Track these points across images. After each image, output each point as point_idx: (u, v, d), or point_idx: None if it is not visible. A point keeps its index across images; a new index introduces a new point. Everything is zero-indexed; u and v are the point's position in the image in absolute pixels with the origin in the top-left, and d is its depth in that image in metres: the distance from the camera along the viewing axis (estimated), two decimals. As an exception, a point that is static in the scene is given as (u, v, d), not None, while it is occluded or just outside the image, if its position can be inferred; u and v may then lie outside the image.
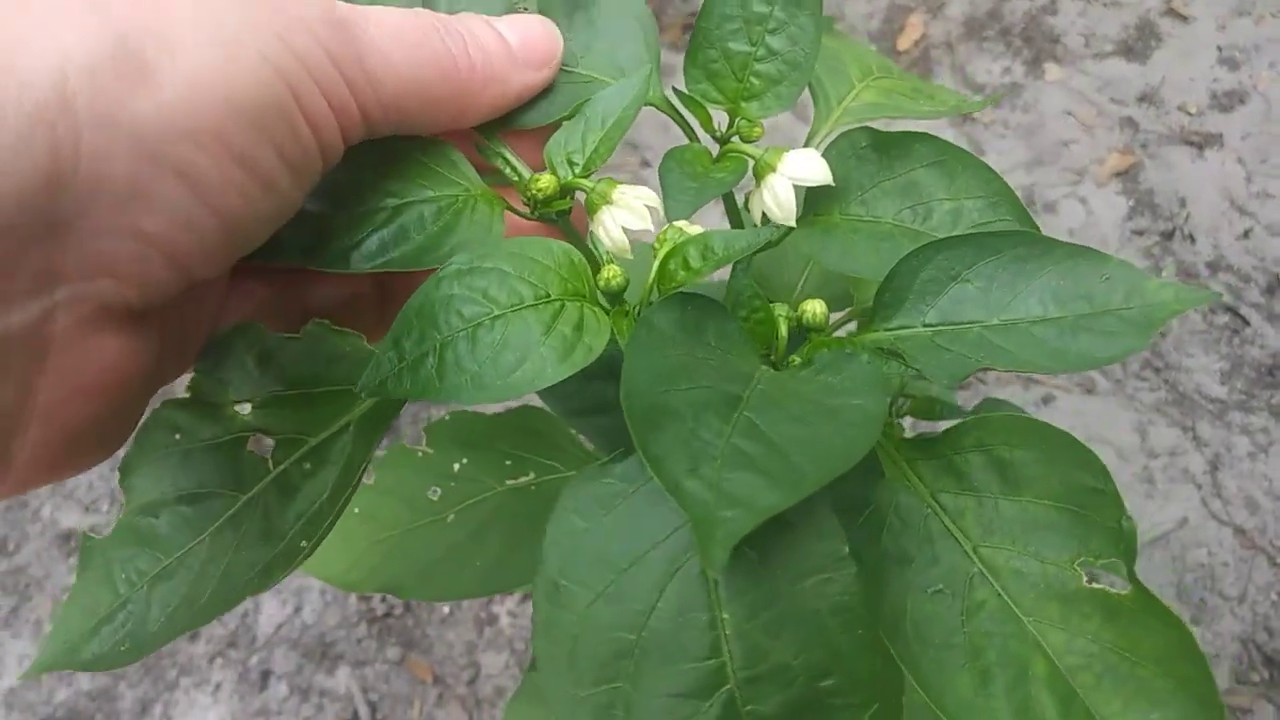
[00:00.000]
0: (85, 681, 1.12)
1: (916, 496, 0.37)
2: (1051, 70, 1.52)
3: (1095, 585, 0.33)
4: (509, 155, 0.39)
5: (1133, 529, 0.33)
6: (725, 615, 0.31)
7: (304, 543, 0.37)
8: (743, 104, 0.43)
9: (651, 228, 0.37)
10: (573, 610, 0.32)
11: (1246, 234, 1.35)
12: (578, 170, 0.38)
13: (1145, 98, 1.47)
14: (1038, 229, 0.42)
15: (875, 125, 0.44)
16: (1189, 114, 1.45)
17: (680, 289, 0.37)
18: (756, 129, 0.44)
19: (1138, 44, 1.53)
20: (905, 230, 0.43)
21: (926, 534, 0.36)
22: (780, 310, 0.40)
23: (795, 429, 0.31)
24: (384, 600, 1.14)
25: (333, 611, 1.13)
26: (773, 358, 0.40)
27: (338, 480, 0.39)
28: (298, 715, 1.08)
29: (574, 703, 0.32)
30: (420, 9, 0.34)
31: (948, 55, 1.59)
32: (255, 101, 0.27)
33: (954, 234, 0.41)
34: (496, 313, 0.33)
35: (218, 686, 1.11)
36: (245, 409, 0.40)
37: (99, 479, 1.23)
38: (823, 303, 0.41)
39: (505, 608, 1.12)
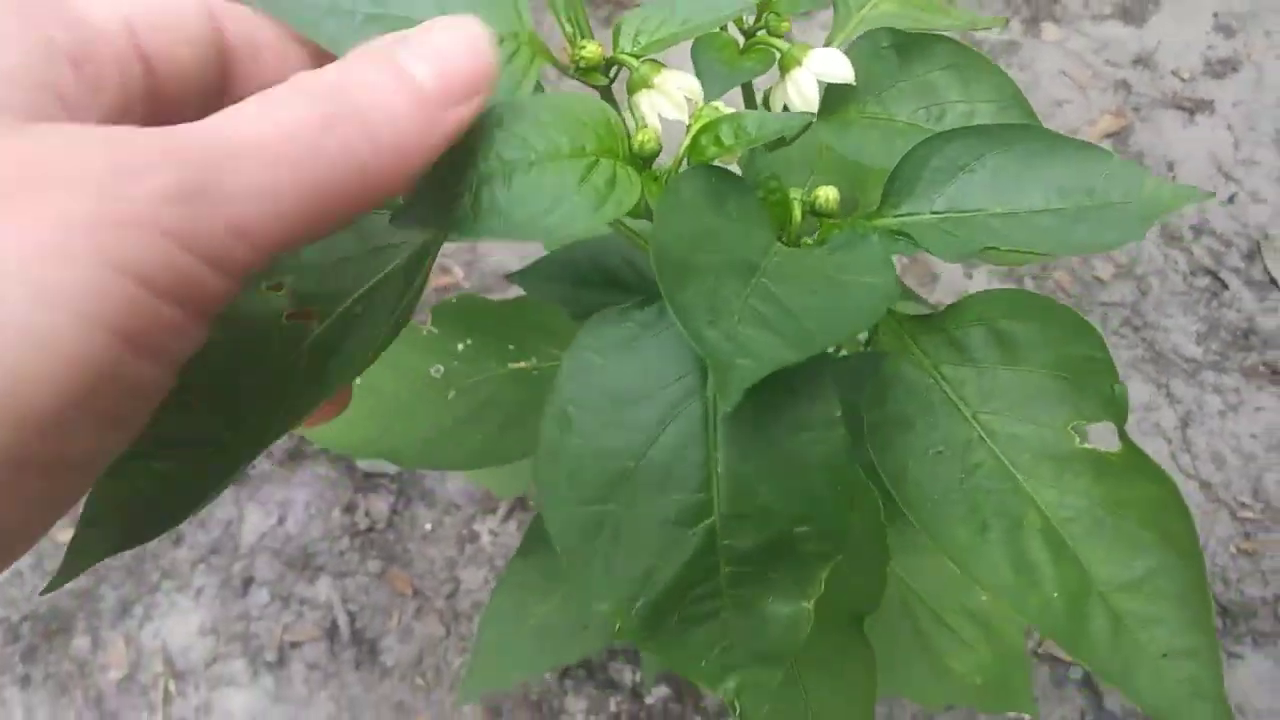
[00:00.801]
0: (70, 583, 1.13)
1: (919, 368, 0.38)
2: (1049, 30, 1.53)
3: (1087, 446, 0.35)
4: (571, 9, 0.40)
5: (1124, 393, 0.34)
6: (719, 455, 0.33)
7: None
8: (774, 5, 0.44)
9: (687, 119, 0.38)
10: (579, 436, 0.34)
11: (1231, 199, 1.37)
12: (638, 48, 0.39)
13: (1140, 61, 1.49)
14: (1040, 128, 0.44)
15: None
16: (1182, 79, 1.47)
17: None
18: (785, 24, 0.45)
19: (1135, 7, 1.54)
20: (919, 129, 0.44)
21: (928, 402, 0.38)
22: (795, 193, 0.41)
23: (807, 298, 0.32)
24: (367, 514, 1.15)
25: (316, 524, 1.15)
26: (785, 239, 0.41)
27: (380, 328, 0.40)
28: (278, 621, 1.10)
29: (568, 520, 0.34)
30: (303, 83, 0.27)
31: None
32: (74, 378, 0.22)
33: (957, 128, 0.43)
34: (533, 158, 0.34)
35: (199, 591, 1.12)
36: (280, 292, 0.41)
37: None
38: (834, 189, 0.42)
39: (487, 526, 1.14)
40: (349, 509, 1.16)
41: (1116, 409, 0.34)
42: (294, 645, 1.09)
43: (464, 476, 1.15)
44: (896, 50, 0.44)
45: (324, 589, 1.11)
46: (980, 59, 0.44)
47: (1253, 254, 1.32)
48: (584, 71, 0.39)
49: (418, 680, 1.07)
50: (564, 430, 0.34)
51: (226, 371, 0.37)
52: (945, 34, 0.48)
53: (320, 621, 1.10)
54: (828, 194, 0.41)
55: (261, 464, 1.18)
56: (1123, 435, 0.34)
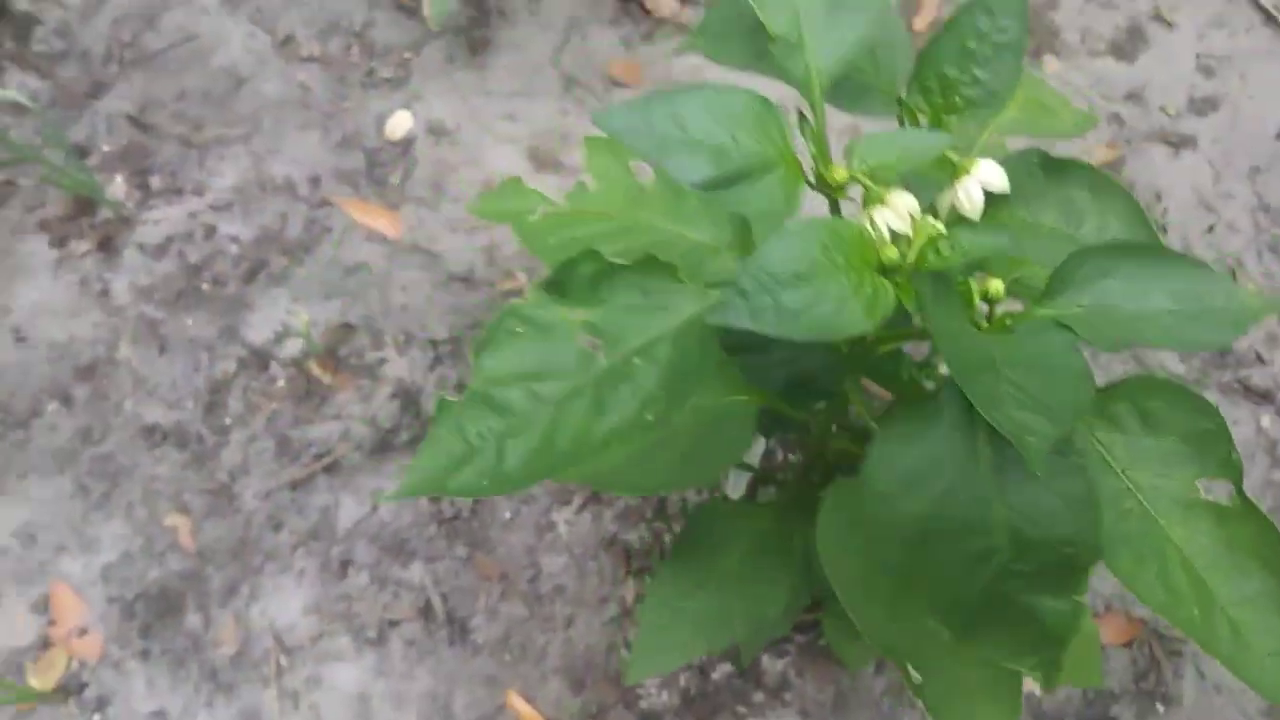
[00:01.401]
0: (175, 563, 1.23)
1: (1082, 434, 0.52)
2: (1050, 63, 1.68)
3: (1209, 498, 0.49)
4: (820, 138, 0.53)
5: (1239, 459, 0.49)
6: (1000, 506, 0.47)
7: (649, 416, 0.51)
8: (945, 117, 0.57)
9: (909, 232, 0.51)
10: (890, 506, 0.47)
11: (1210, 229, 1.53)
12: (866, 169, 0.52)
13: (1131, 96, 1.64)
14: (1162, 245, 0.58)
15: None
16: (1169, 115, 1.63)
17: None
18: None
19: (1127, 45, 1.70)
20: (1061, 234, 0.58)
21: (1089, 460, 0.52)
22: (975, 285, 0.55)
23: (1035, 382, 0.46)
24: (451, 504, 1.27)
25: (406, 512, 1.26)
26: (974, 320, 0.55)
27: (661, 377, 0.53)
28: (376, 601, 1.22)
29: (877, 568, 0.47)
30: None
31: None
32: None
33: (1100, 242, 0.57)
34: (817, 271, 0.47)
35: (301, 573, 1.23)
36: (576, 314, 0.54)
37: (182, 378, 1.33)
38: (1001, 281, 0.56)
39: (563, 516, 1.27)
40: (435, 498, 1.28)
41: (1232, 470, 0.48)
42: (392, 624, 1.21)
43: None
44: (1043, 169, 0.58)
45: (417, 572, 1.23)
46: (1111, 182, 0.58)
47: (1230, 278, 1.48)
48: (829, 187, 0.52)
49: (505, 656, 1.20)
50: (877, 503, 0.47)
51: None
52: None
53: (415, 602, 1.22)
54: (997, 286, 0.55)
55: (352, 455, 1.29)
56: (1239, 491, 0.48)
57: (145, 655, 1.19)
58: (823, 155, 0.53)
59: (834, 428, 0.81)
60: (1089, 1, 1.73)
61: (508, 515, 1.28)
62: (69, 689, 1.17)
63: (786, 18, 0.57)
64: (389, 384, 1.35)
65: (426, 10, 1.45)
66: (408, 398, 1.34)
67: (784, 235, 0.45)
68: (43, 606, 1.21)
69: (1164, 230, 1.52)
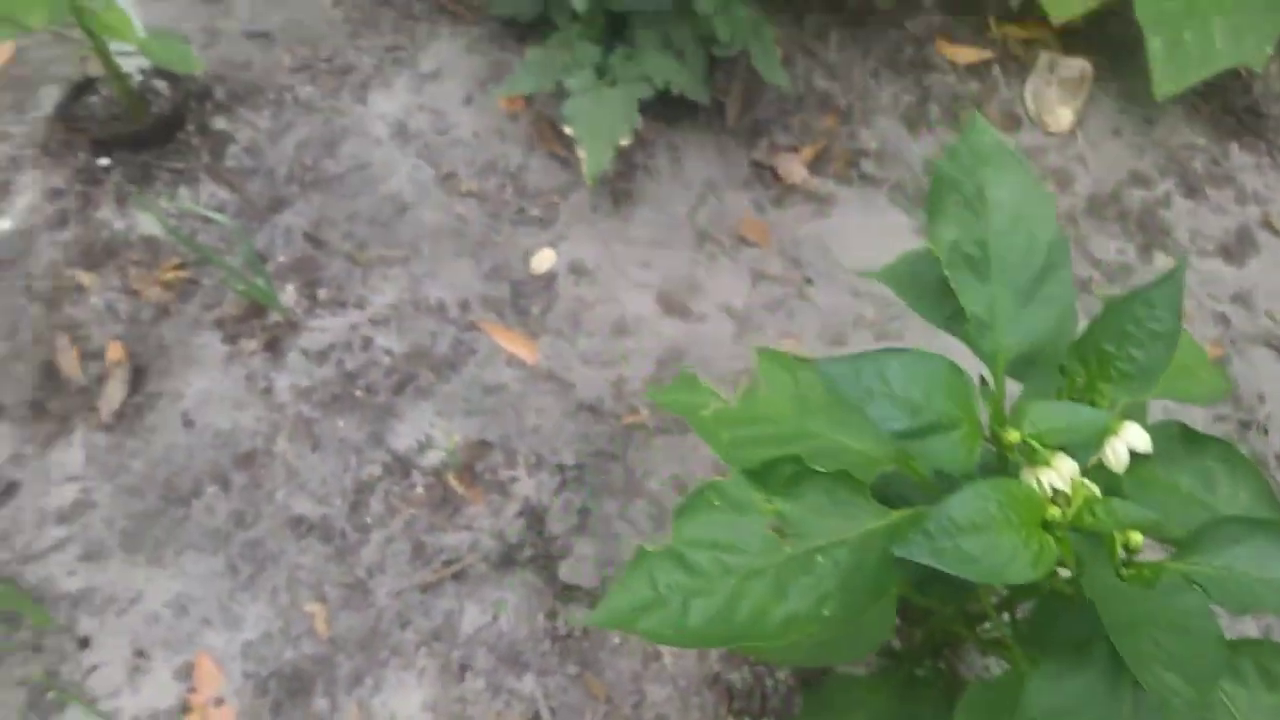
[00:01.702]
0: (309, 647, 1.34)
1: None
2: (1160, 259, 1.77)
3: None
4: (998, 405, 0.63)
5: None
6: None
7: (825, 611, 0.61)
8: (1100, 384, 0.67)
9: (1068, 490, 0.61)
10: None
11: (1308, 435, 1.59)
12: (1034, 433, 0.62)
13: (1238, 299, 1.72)
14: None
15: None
16: (1274, 320, 1.70)
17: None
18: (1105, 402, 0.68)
19: (1236, 249, 1.78)
20: (1196, 499, 0.67)
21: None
22: (1119, 537, 0.64)
23: (1177, 643, 0.54)
24: (564, 622, 1.36)
25: (523, 625, 1.36)
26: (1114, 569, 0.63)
27: (839, 578, 0.62)
28: (490, 708, 1.30)
29: None
30: None
31: (1071, 228, 1.84)
32: None
33: (1233, 513, 0.65)
34: (991, 524, 0.57)
35: (423, 671, 1.33)
36: (771, 503, 0.64)
37: (331, 476, 1.46)
38: (1141, 536, 0.64)
39: (669, 650, 1.35)
40: (551, 615, 1.38)
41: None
42: (502, 730, 1.29)
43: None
44: (1183, 439, 0.67)
45: (529, 684, 1.32)
46: (1244, 459, 0.67)
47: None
48: (1002, 445, 0.62)
49: (604, 774, 1.27)
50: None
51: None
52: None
53: (525, 712, 1.30)
54: (1138, 539, 0.63)
55: (479, 565, 1.40)
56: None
57: (274, 734, 1.28)
58: (999, 419, 0.63)
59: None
60: (1200, 204, 1.83)
61: (617, 641, 1.36)
62: (202, 757, 1.27)
63: (984, 305, 0.68)
64: (517, 502, 1.46)
65: (583, 167, 1.60)
66: (534, 516, 1.45)
67: (967, 491, 0.55)
68: (186, 674, 1.32)
69: (1264, 431, 1.58)
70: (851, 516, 0.64)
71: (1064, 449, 0.62)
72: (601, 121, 1.60)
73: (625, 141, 1.60)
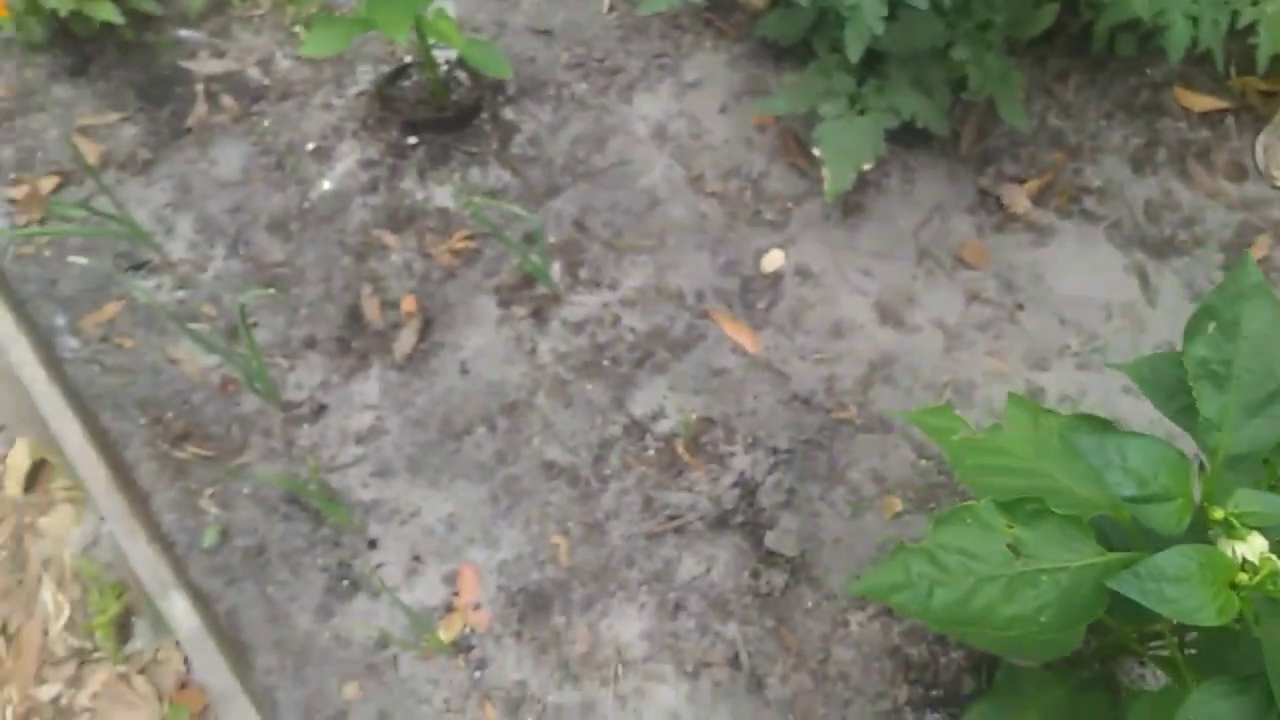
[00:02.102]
0: (552, 572, 1.59)
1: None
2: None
3: None
4: (1211, 489, 0.79)
5: None
6: None
7: (1043, 619, 0.79)
8: None
9: (1256, 561, 0.76)
10: None
11: None
12: (1235, 512, 0.78)
13: None
14: None
15: None
16: None
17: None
18: None
19: None
20: None
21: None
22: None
23: None
24: (768, 583, 1.57)
25: (730, 579, 1.58)
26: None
27: (1059, 595, 0.80)
28: (698, 644, 1.53)
29: None
30: None
31: (1283, 279, 1.90)
32: None
33: None
34: (1190, 577, 0.73)
35: (643, 606, 1.56)
36: (1012, 529, 0.82)
37: (580, 431, 1.70)
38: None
39: (856, 619, 1.54)
40: (755, 574, 1.59)
41: None
42: (706, 665, 1.51)
43: (848, 573, 1.55)
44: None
45: (732, 629, 1.54)
46: None
47: None
48: (1207, 518, 0.78)
49: (790, 716, 1.48)
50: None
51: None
52: None
53: (726, 653, 1.52)
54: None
55: (696, 524, 1.62)
56: None
57: (519, 637, 1.55)
58: (1210, 499, 0.80)
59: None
60: None
61: (809, 604, 1.56)
62: (460, 647, 1.54)
63: (1216, 412, 0.85)
64: (733, 474, 1.67)
65: (825, 185, 1.79)
66: (746, 489, 1.66)
67: (1174, 550, 0.73)
68: (451, 580, 1.60)
69: None
70: (1076, 550, 0.82)
71: (1259, 529, 0.78)
72: (848, 146, 1.77)
73: (868, 166, 1.78)
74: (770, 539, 1.61)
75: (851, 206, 1.94)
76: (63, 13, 1.93)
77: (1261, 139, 2.05)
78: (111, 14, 1.96)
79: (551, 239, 1.89)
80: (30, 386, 1.66)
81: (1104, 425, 1.05)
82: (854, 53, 1.57)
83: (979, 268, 1.88)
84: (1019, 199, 1.94)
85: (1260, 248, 1.94)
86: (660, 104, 2.04)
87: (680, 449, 1.69)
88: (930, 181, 1.96)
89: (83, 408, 1.69)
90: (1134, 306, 1.85)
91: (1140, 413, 1.72)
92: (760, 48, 2.07)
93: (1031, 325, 1.83)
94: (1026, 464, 1.05)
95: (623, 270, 1.87)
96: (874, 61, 1.86)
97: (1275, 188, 2.02)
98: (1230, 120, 2.06)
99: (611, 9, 2.19)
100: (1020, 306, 1.85)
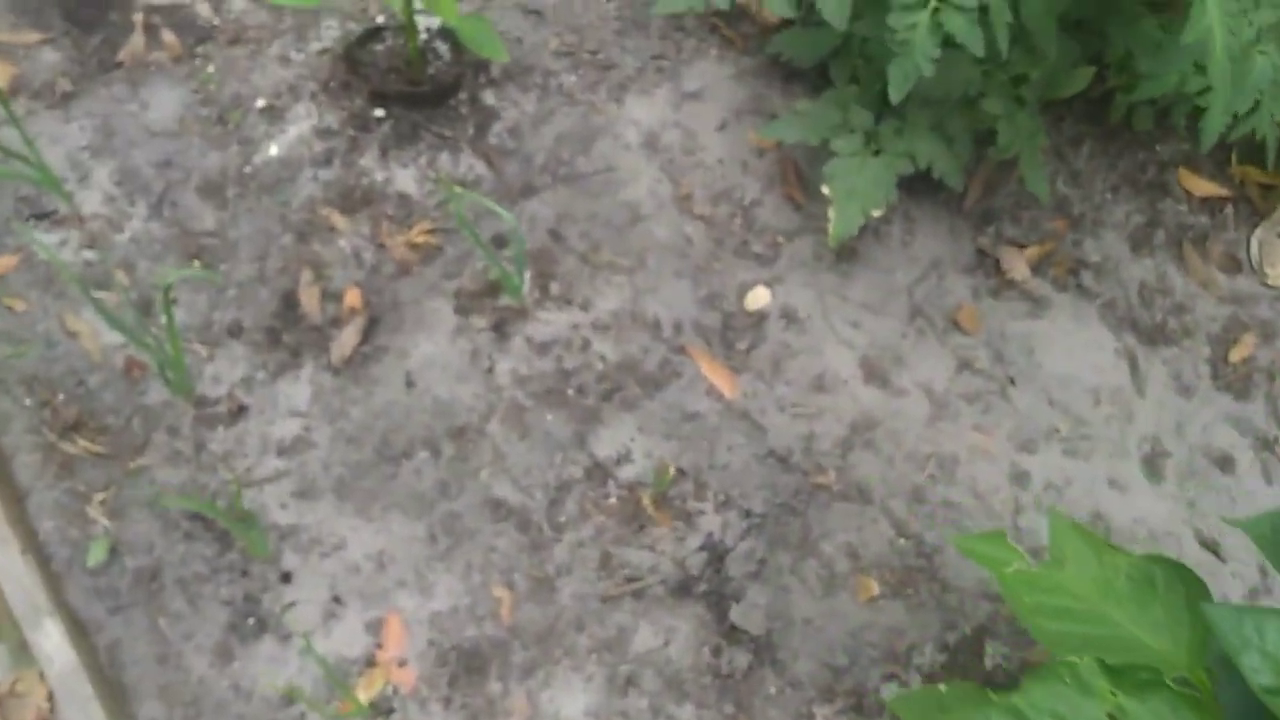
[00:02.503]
0: (491, 629, 1.41)
1: None
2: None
3: None
4: None
5: None
6: None
7: None
8: None
9: None
10: None
11: None
12: None
13: None
14: None
15: None
16: None
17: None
18: None
19: None
20: None
21: None
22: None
23: None
24: (729, 663, 1.42)
25: (689, 655, 1.42)
26: None
27: None
28: (648, 728, 1.37)
29: None
30: None
31: (1266, 382, 1.84)
32: None
33: None
34: None
35: (590, 677, 1.40)
36: (1115, 697, 0.69)
37: (535, 468, 1.52)
38: None
39: (823, 712, 1.40)
40: (716, 652, 1.44)
41: None
42: (656, 753, 1.36)
43: (816, 659, 1.42)
44: None
45: (688, 712, 1.39)
46: None
47: None
48: None
49: (743, 819, 1.34)
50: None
51: None
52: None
53: (679, 741, 1.37)
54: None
55: (657, 589, 1.46)
56: None
57: (448, 702, 1.36)
58: None
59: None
60: None
61: (772, 690, 1.42)
62: (380, 709, 1.35)
63: None
64: (700, 535, 1.52)
65: (830, 227, 1.64)
66: (714, 554, 1.51)
67: None
68: (375, 629, 1.40)
69: None
70: (1180, 720, 0.68)
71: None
72: (859, 188, 1.63)
73: (877, 213, 1.64)
74: (736, 613, 1.46)
75: (845, 251, 1.80)
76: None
77: (1258, 233, 1.99)
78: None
79: (526, 244, 1.70)
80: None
81: (1181, 571, 0.93)
82: (897, 92, 1.42)
83: (972, 333, 1.76)
84: (1018, 265, 1.83)
85: (1244, 346, 1.88)
86: (654, 110, 1.86)
87: (645, 500, 1.52)
88: (931, 235, 1.84)
89: (-45, 378, 1.44)
90: (1123, 393, 1.77)
91: (1126, 508, 1.64)
92: (769, 65, 1.91)
93: (1021, 402, 1.72)
94: (1091, 607, 0.93)
95: (597, 289, 1.70)
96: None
97: (1266, 285, 1.96)
98: (1230, 209, 1.99)
99: (608, -4, 2.00)
100: (1011, 381, 1.74)
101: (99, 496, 1.41)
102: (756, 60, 1.92)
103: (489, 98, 1.82)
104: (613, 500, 1.52)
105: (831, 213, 1.65)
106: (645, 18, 1.95)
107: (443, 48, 1.78)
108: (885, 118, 1.67)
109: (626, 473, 1.55)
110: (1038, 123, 1.65)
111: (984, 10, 1.37)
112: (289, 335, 1.59)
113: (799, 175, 1.84)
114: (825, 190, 1.65)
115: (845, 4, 1.51)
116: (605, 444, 1.56)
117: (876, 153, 1.67)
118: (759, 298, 1.76)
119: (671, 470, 1.53)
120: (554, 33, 1.94)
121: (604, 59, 1.92)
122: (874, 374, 1.71)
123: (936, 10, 1.38)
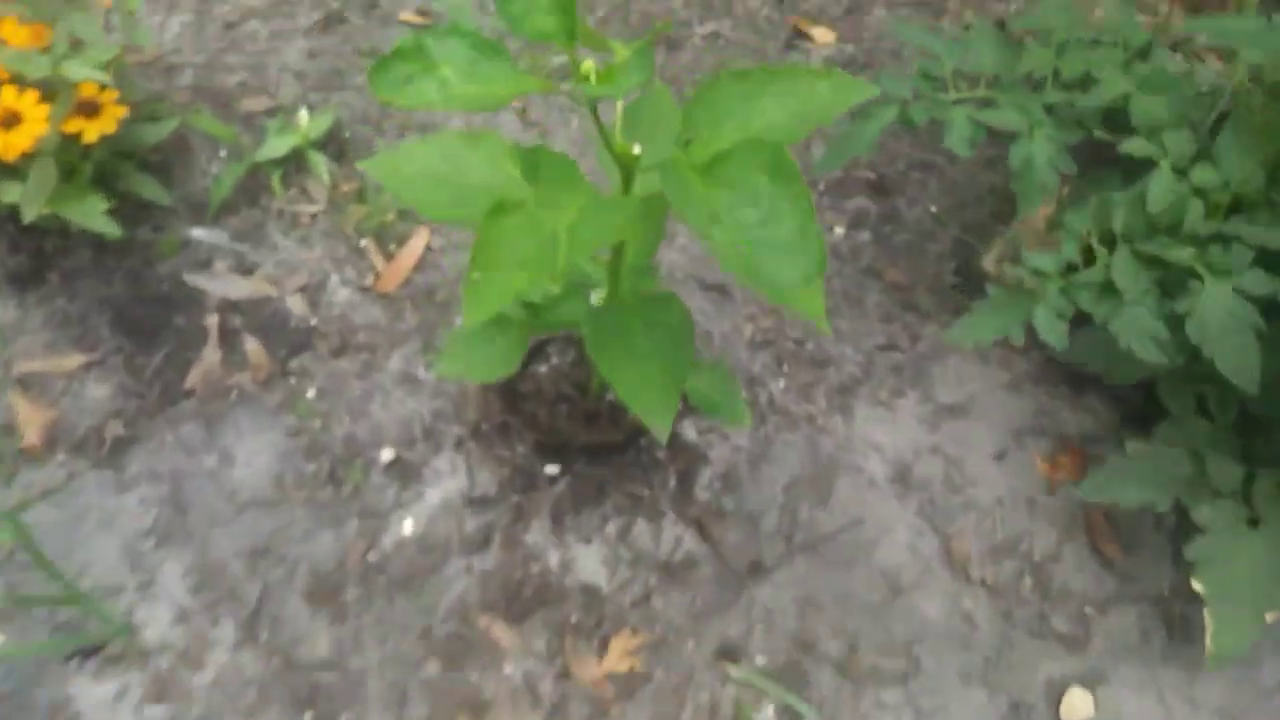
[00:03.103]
0: None
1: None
2: None
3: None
4: None
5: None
6: None
7: None
8: None
9: None
10: None
11: None
12: None
13: None
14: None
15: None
16: None
17: None
18: None
19: None
20: None
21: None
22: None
23: None
24: None
25: None
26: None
27: None
28: None
29: None
30: None
31: None
32: None
33: None
34: None
35: None
36: None
37: None
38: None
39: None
40: None
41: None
42: None
43: None
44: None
45: None
46: None
47: None
48: None
49: None
50: None
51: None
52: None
53: None
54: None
55: None
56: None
57: None
58: None
59: None
60: None
61: None
62: None
63: None
64: None
65: (1208, 640, 1.15)
66: None
67: None
68: None
69: None
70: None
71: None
72: (1242, 582, 1.14)
73: (1272, 617, 1.15)
74: None
75: (1180, 622, 1.31)
76: (27, 217, 1.21)
77: None
78: (101, 221, 1.25)
79: (759, 658, 1.22)
80: None
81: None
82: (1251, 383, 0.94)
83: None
84: None
85: None
86: (900, 430, 1.39)
87: None
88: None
89: None
90: None
91: None
92: (1053, 366, 1.44)
93: None
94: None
95: (864, 716, 1.20)
96: (1253, 430, 1.25)
97: None
98: None
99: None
100: None
101: None
102: (1035, 359, 1.45)
103: (689, 430, 1.35)
104: None
105: (1208, 618, 1.16)
106: (857, 287, 1.50)
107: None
108: (1255, 467, 1.19)
109: None
110: None
111: None
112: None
113: (1108, 519, 1.35)
114: (1198, 586, 1.16)
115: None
116: None
117: (1254, 522, 1.18)
118: (1076, 708, 1.26)
119: None
120: (746, 316, 1.48)
121: (814, 351, 1.45)
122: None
123: None
